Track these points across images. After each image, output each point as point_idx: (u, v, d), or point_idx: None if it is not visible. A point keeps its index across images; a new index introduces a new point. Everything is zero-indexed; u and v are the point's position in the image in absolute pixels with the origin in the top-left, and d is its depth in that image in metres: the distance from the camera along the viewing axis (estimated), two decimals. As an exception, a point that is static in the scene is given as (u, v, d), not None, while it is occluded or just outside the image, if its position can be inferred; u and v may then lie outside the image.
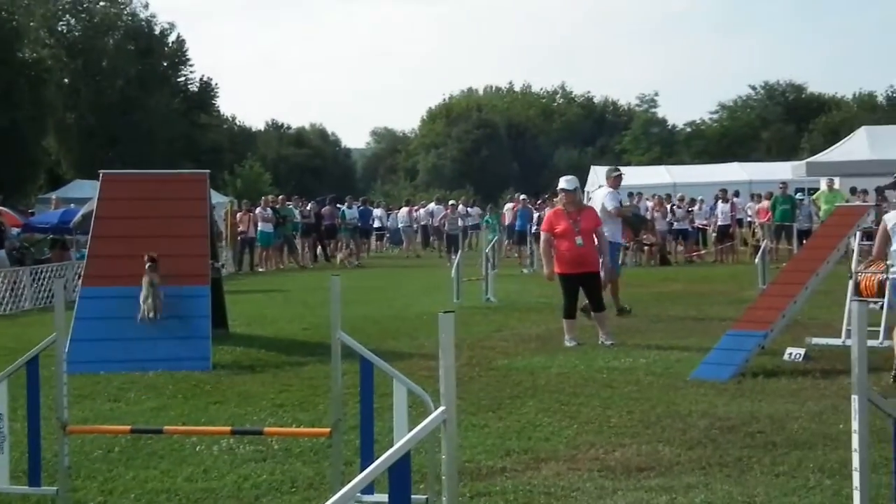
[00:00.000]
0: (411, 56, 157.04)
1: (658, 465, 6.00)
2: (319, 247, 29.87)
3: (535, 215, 28.93)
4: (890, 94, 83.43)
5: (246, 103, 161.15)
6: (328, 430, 5.41)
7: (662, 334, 11.75)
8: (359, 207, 30.82)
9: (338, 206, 30.79)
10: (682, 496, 5.35)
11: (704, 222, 28.90)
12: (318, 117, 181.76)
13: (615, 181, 14.44)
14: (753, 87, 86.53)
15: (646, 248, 25.83)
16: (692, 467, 5.94)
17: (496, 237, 27.74)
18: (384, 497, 3.61)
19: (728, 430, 6.79)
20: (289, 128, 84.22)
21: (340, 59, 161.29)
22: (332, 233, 29.64)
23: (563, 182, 11.57)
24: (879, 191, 22.87)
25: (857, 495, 3.61)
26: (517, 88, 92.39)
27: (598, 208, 13.19)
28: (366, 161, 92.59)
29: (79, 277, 13.44)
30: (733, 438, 6.57)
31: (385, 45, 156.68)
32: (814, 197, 26.86)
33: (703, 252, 28.13)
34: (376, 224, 33.68)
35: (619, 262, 14.96)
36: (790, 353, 9.72)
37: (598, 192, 14.19)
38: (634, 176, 41.55)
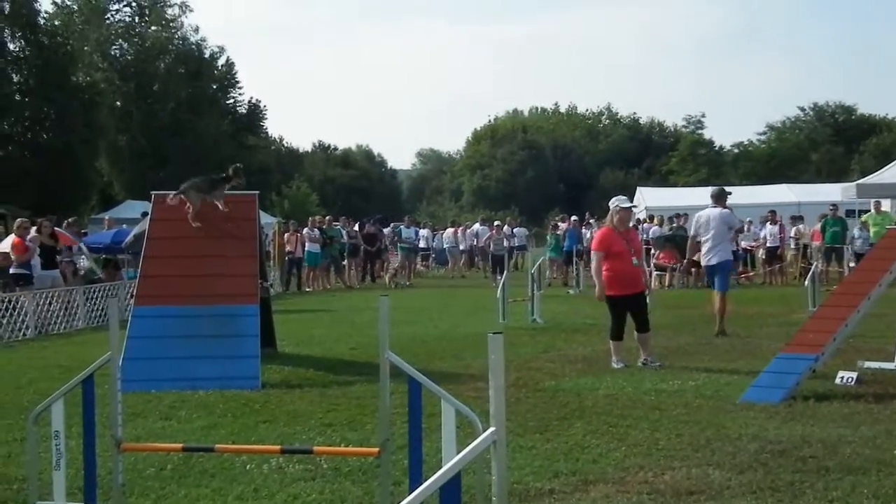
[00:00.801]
0: (457, 78, 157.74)
1: (708, 489, 5.95)
2: (371, 266, 29.98)
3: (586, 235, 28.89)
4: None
5: (293, 125, 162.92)
6: (377, 449, 5.44)
7: (711, 357, 11.65)
8: (406, 228, 30.92)
9: (386, 226, 30.98)
10: (732, 520, 5.31)
11: (753, 244, 28.61)
12: (365, 139, 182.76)
13: (725, 201, 14.38)
14: (802, 109, 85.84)
15: (693, 269, 25.60)
16: (743, 491, 5.88)
17: (554, 256, 27.71)
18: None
19: (779, 455, 6.72)
20: (335, 149, 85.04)
21: (387, 81, 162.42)
22: (378, 253, 29.81)
23: (624, 201, 11.54)
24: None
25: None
26: (562, 109, 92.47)
27: (712, 228, 13.50)
28: (411, 182, 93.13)
29: (131, 297, 13.66)
30: (784, 463, 6.50)
31: (431, 67, 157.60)
32: (862, 219, 26.50)
33: (751, 274, 27.84)
34: (422, 244, 33.80)
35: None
36: (842, 377, 9.59)
37: (709, 211, 13.98)
38: (681, 197, 41.39)
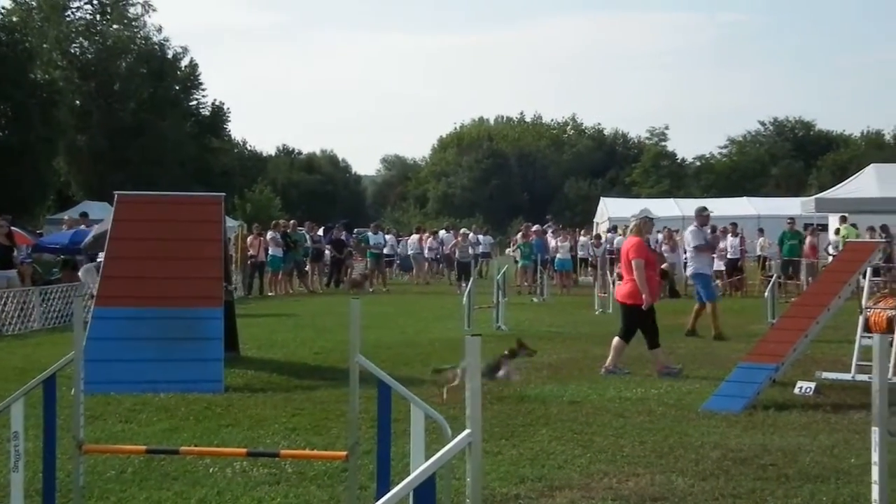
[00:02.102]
0: (423, 85, 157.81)
1: (672, 496, 6.01)
2: (337, 272, 29.84)
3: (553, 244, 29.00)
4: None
5: (257, 128, 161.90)
6: (345, 453, 5.42)
7: (667, 362, 11.71)
8: (374, 234, 30.82)
9: (350, 232, 30.91)
10: (696, 527, 5.36)
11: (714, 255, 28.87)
12: (330, 144, 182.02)
13: (703, 219, 15.79)
14: (763, 123, 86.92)
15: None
16: (706, 498, 5.95)
17: (528, 264, 27.75)
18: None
19: (740, 462, 6.80)
20: (300, 153, 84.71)
21: (353, 87, 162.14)
22: (344, 259, 29.73)
23: (649, 212, 11.96)
24: (885, 228, 22.91)
25: (875, 528, 3.63)
26: (528, 119, 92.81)
27: (687, 243, 14.92)
28: (376, 188, 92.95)
29: (90, 298, 13.50)
30: (746, 470, 6.58)
31: (397, 74, 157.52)
32: (841, 235, 26.94)
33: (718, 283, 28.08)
34: (386, 250, 33.74)
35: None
36: (801, 387, 9.72)
37: (689, 228, 15.99)
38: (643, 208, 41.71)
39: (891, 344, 11.00)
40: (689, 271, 15.50)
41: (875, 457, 3.55)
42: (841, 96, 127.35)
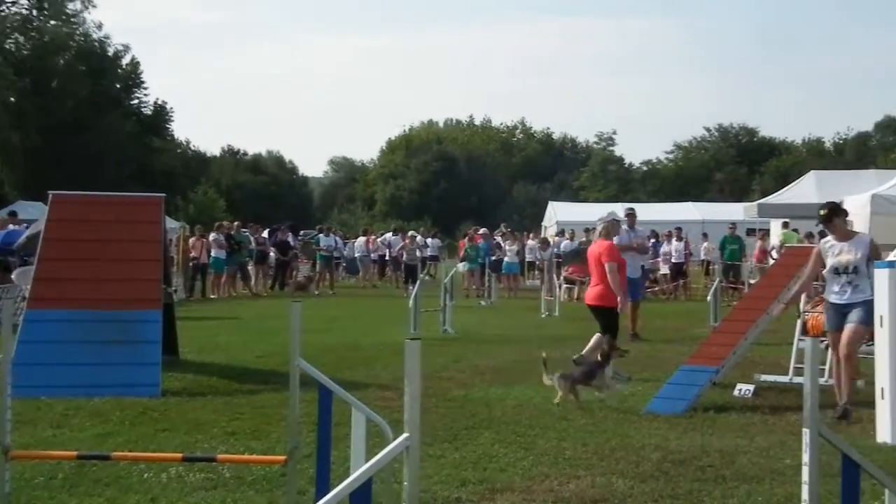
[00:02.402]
0: (371, 87, 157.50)
1: (612, 497, 6.03)
2: (282, 274, 29.61)
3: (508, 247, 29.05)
4: (837, 140, 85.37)
5: (202, 128, 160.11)
6: (284, 457, 5.37)
7: (617, 368, 11.78)
8: (325, 236, 30.62)
9: (296, 233, 30.70)
10: (634, 528, 5.37)
11: (658, 259, 29.16)
12: (276, 145, 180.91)
13: (631, 220, 15.95)
14: (708, 129, 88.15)
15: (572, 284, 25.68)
16: (645, 499, 5.97)
17: (474, 267, 27.80)
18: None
19: (680, 464, 6.85)
20: (245, 154, 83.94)
21: (301, 87, 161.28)
22: (289, 261, 29.52)
23: (616, 215, 12.24)
24: (823, 234, 23.26)
25: (806, 528, 3.66)
26: (477, 122, 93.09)
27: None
28: (323, 190, 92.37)
29: (23, 300, 13.17)
30: (685, 471, 6.63)
31: (345, 75, 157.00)
32: (781, 239, 27.37)
33: (656, 289, 28.36)
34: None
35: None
36: (740, 389, 9.84)
37: None
38: (591, 212, 41.95)
39: (826, 347, 11.22)
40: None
41: (805, 458, 3.58)
42: (784, 104, 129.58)
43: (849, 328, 8.67)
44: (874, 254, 8.86)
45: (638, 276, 15.62)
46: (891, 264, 8.42)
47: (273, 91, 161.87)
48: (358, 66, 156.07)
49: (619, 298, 11.18)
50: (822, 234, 22.65)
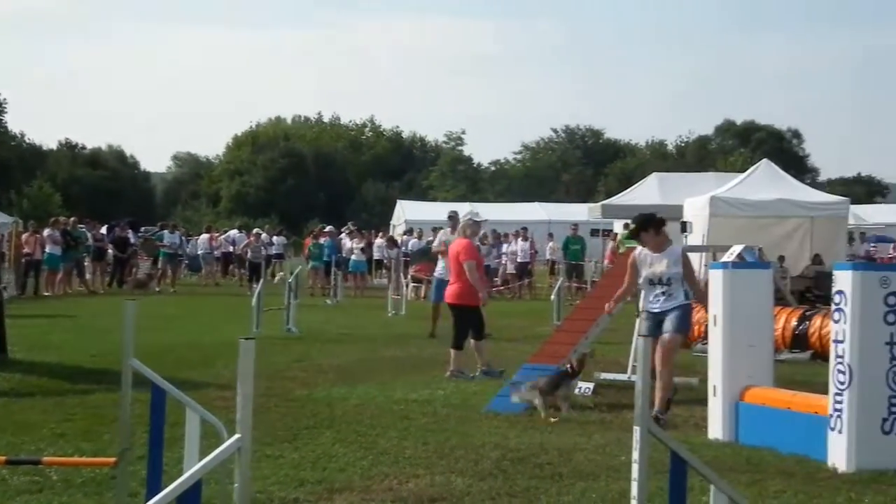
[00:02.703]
0: (217, 81, 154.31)
1: (450, 496, 6.06)
2: (120, 272, 28.66)
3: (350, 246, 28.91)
4: (679, 143, 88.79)
5: (38, 121, 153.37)
6: (114, 459, 5.18)
7: (462, 367, 11.86)
8: (170, 233, 29.75)
9: (137, 230, 29.79)
10: (472, 526, 5.41)
11: (504, 259, 29.64)
12: (117, 139, 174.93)
13: (455, 224, 15.90)
14: (555, 130, 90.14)
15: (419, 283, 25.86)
16: (483, 497, 6.03)
17: (318, 265, 27.54)
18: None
19: (518, 462, 6.94)
20: (83, 148, 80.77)
21: (144, 81, 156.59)
22: (128, 258, 28.60)
23: (477, 215, 12.28)
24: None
25: (634, 523, 3.75)
26: (326, 119, 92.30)
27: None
28: (166, 186, 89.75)
29: None
30: (523, 469, 6.72)
31: (191, 69, 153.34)
32: (618, 240, 28.17)
33: (501, 288, 28.80)
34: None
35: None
36: (580, 387, 10.04)
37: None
38: (440, 212, 42.24)
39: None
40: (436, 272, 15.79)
41: (635, 455, 3.67)
42: (629, 107, 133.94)
43: (664, 338, 8.64)
44: (685, 267, 8.85)
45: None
46: (724, 265, 8.78)
47: (115, 84, 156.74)
48: (204, 61, 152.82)
49: (480, 295, 11.34)
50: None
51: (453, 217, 16.13)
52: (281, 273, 24.24)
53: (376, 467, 6.79)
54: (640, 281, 9.00)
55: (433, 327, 15.57)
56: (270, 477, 6.43)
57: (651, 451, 4.79)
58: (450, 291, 11.76)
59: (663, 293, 8.79)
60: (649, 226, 8.95)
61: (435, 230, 28.68)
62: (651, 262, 8.87)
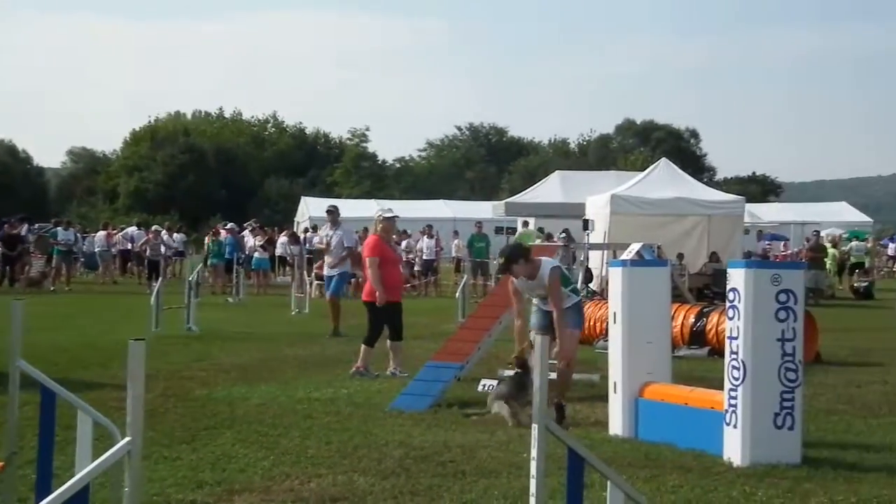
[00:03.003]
0: (113, 74, 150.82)
1: (352, 495, 6.01)
2: (11, 270, 27.74)
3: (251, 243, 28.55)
4: (581, 141, 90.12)
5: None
6: (0, 463, 5.01)
7: (369, 367, 11.81)
8: (64, 230, 28.91)
9: (30, 226, 28.91)
10: (374, 526, 5.38)
11: (410, 256, 29.64)
12: (8, 133, 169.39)
13: (333, 219, 16.16)
14: (459, 128, 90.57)
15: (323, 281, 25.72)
16: (385, 496, 6.00)
17: (218, 263, 27.10)
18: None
19: (421, 460, 6.93)
20: (-29, 143, 78.04)
21: (37, 73, 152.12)
22: (19, 256, 27.72)
23: (388, 211, 12.15)
24: (566, 232, 24.45)
25: (533, 520, 3.77)
26: (227, 115, 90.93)
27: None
28: (61, 181, 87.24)
29: None
30: (426, 467, 6.71)
31: (85, 62, 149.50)
32: (515, 237, 28.40)
33: (407, 286, 28.82)
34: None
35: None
36: (484, 384, 10.08)
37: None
38: (345, 208, 42.00)
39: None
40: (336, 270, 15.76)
41: (533, 451, 3.69)
42: (532, 105, 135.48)
43: (565, 335, 8.60)
44: (550, 287, 8.65)
45: (334, 273, 15.82)
46: (623, 263, 8.91)
47: (4, 76, 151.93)
48: (99, 53, 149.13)
49: (377, 293, 11.23)
50: (566, 233, 23.93)
51: (332, 212, 16.26)
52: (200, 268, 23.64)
53: (277, 467, 6.70)
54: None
55: (334, 325, 15.52)
56: (168, 479, 6.30)
57: (553, 448, 4.84)
58: (365, 289, 11.70)
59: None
60: (518, 258, 8.77)
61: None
62: (528, 289, 8.86)
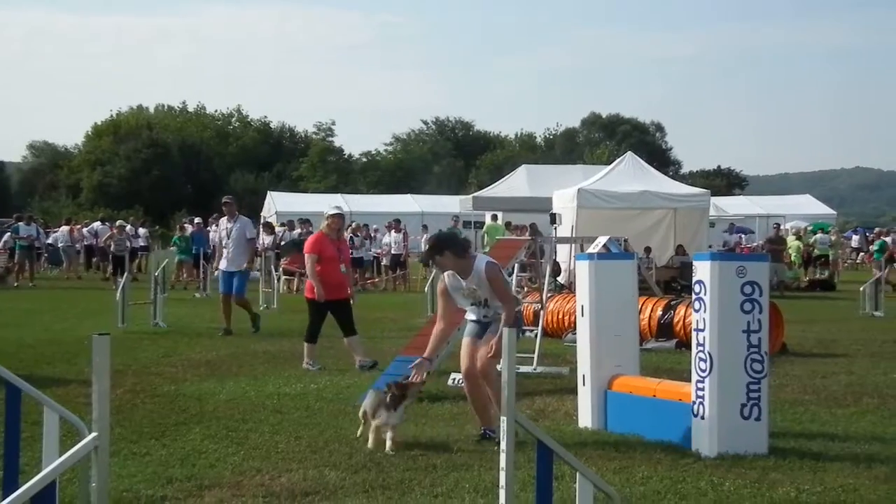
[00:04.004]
0: (74, 68, 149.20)
1: (323, 490, 6.01)
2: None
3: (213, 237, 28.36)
4: (547, 135, 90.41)
5: None
6: (-34, 463, 4.95)
7: (334, 360, 11.82)
8: (26, 224, 28.57)
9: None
10: (345, 520, 5.38)
11: (378, 251, 29.62)
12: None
13: (230, 210, 15.25)
14: (426, 122, 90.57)
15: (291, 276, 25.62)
16: (356, 490, 6.00)
17: (185, 258, 26.96)
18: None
19: (392, 454, 6.93)
20: (-70, 137, 76.98)
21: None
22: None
23: (335, 208, 11.96)
24: (533, 226, 24.53)
25: (502, 512, 3.79)
26: (191, 108, 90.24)
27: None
28: (22, 176, 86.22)
29: None
30: (396, 462, 6.71)
31: (48, 55, 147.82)
32: (483, 230, 28.45)
33: (376, 280, 28.77)
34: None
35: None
36: (454, 378, 10.11)
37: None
38: (311, 203, 41.92)
39: (535, 336, 11.80)
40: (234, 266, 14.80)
41: (503, 444, 3.71)
42: (498, 99, 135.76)
43: (487, 338, 7.57)
44: (492, 284, 7.48)
45: (234, 269, 14.87)
46: (590, 256, 8.95)
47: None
48: (62, 46, 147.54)
49: (315, 289, 11.26)
50: (532, 228, 24.01)
51: (228, 203, 15.42)
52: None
53: (248, 462, 6.68)
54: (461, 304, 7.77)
55: (226, 322, 14.88)
56: (137, 475, 6.26)
57: (523, 441, 4.87)
58: (307, 285, 11.77)
59: (486, 306, 7.67)
60: (444, 248, 7.52)
61: (305, 223, 28.48)
62: (462, 288, 7.61)
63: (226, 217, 15.21)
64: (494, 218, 28.46)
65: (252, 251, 15.52)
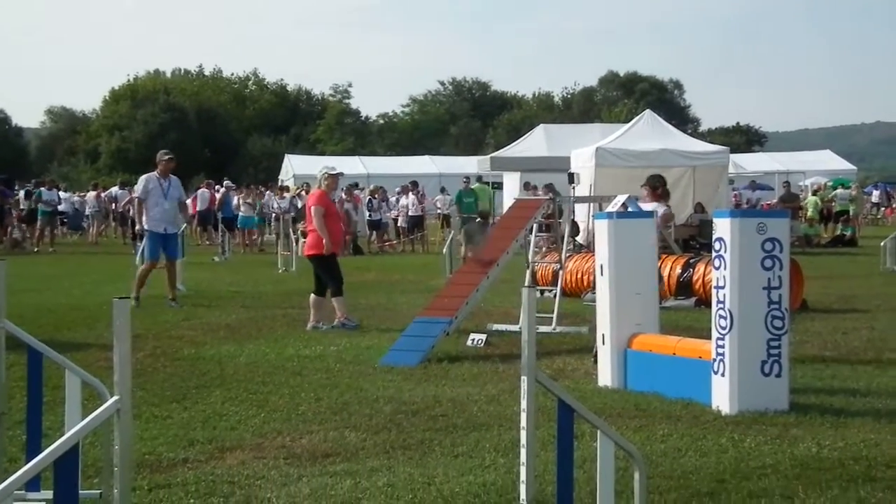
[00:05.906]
0: (91, 33, 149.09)
1: (344, 451, 6.03)
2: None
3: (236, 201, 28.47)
4: (565, 94, 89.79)
5: None
6: (-10, 425, 4.99)
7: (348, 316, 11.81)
8: (48, 190, 28.73)
9: (11, 187, 28.73)
10: (365, 480, 5.40)
11: (395, 213, 29.61)
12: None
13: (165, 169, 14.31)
14: (442, 83, 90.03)
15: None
16: (377, 451, 6.02)
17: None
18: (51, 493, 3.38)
19: (412, 414, 6.95)
20: (-51, 104, 77.12)
21: (15, 33, 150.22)
22: (2, 216, 27.60)
23: (332, 168, 12.15)
24: (550, 186, 24.39)
25: (523, 470, 3.78)
26: (207, 72, 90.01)
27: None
28: (41, 141, 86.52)
29: None
30: (417, 422, 6.73)
31: (65, 21, 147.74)
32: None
33: (394, 242, 28.80)
34: (61, 207, 31.71)
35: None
36: (473, 339, 10.11)
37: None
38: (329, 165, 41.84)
39: (554, 296, 11.78)
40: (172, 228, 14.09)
41: (523, 403, 3.69)
42: (515, 59, 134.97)
43: None
44: None
45: (174, 232, 14.31)
46: (609, 215, 8.90)
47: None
48: (79, 13, 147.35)
49: (323, 241, 11.36)
50: (550, 187, 23.89)
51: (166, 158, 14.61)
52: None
53: (268, 424, 6.71)
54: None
55: (137, 291, 13.65)
56: (159, 437, 6.31)
57: (543, 400, 4.85)
58: (307, 242, 11.93)
59: None
60: None
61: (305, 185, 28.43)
62: None
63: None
64: (479, 179, 28.82)
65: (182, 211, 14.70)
